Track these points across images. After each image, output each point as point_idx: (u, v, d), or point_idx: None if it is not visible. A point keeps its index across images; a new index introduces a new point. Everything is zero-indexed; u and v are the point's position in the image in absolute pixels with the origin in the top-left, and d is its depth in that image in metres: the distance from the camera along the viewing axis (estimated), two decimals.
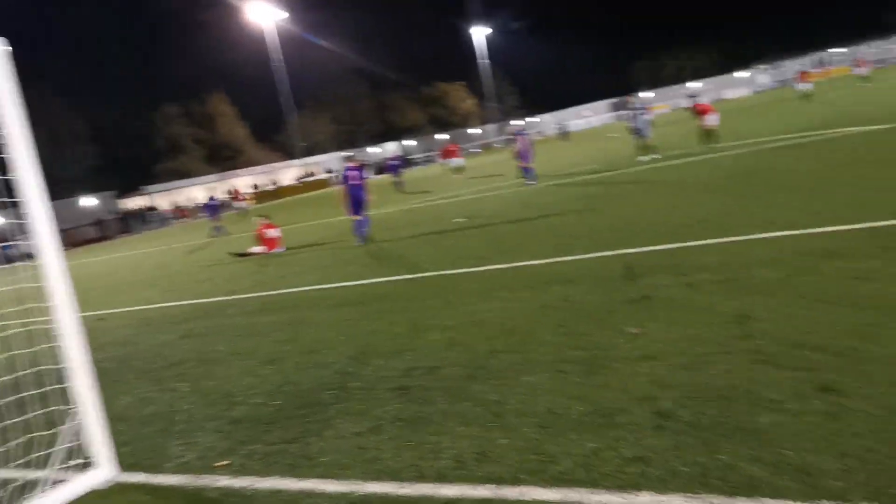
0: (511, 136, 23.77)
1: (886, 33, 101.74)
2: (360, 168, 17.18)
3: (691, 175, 15.91)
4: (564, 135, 59.78)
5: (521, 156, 22.89)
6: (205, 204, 29.18)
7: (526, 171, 22.83)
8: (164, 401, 6.54)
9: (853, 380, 4.11)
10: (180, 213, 66.46)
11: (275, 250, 17.74)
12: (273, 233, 18.11)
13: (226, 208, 29.04)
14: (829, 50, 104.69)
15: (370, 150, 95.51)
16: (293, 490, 4.16)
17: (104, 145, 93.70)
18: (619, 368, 5.03)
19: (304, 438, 4.90)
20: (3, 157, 4.40)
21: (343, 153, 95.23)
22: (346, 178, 16.89)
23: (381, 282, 10.37)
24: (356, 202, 16.34)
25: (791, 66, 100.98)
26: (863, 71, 48.80)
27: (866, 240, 7.12)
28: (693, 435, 3.83)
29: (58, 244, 4.53)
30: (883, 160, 12.14)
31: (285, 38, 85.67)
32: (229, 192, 43.56)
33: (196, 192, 74.89)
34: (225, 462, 4.76)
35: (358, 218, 16.25)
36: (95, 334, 10.65)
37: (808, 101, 37.67)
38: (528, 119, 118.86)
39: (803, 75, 41.17)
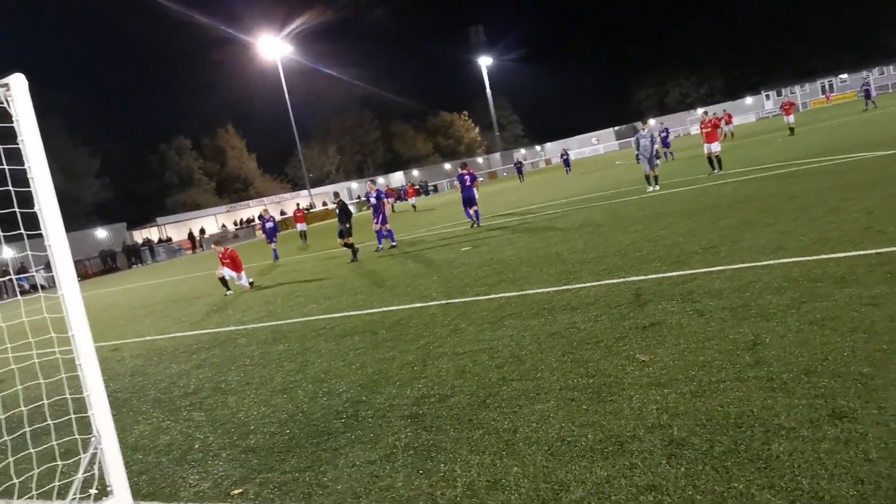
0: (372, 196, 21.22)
1: (889, 57, 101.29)
2: (471, 173, 22.47)
3: (698, 201, 15.96)
4: (566, 164, 58.35)
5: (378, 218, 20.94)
6: (263, 224, 27.53)
7: (378, 235, 21.08)
8: (180, 430, 6.57)
9: (866, 406, 4.12)
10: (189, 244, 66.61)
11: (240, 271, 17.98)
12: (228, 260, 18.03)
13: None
14: (840, 76, 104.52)
15: (381, 180, 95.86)
16: None
17: (116, 178, 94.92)
18: (629, 396, 5.04)
19: (317, 467, 4.93)
20: (21, 191, 4.47)
21: (353, 182, 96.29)
22: (461, 180, 22.39)
23: (390, 310, 10.40)
24: (466, 200, 22.24)
25: (798, 92, 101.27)
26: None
27: (875, 266, 7.14)
28: (707, 463, 3.83)
29: (74, 276, 4.58)
30: (878, 186, 12.16)
31: (294, 72, 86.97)
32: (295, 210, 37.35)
33: (207, 222, 75.43)
34: (238, 491, 4.79)
35: (470, 210, 22.19)
36: (109, 364, 10.72)
37: (794, 133, 36.83)
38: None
39: (787, 107, 38.54)
